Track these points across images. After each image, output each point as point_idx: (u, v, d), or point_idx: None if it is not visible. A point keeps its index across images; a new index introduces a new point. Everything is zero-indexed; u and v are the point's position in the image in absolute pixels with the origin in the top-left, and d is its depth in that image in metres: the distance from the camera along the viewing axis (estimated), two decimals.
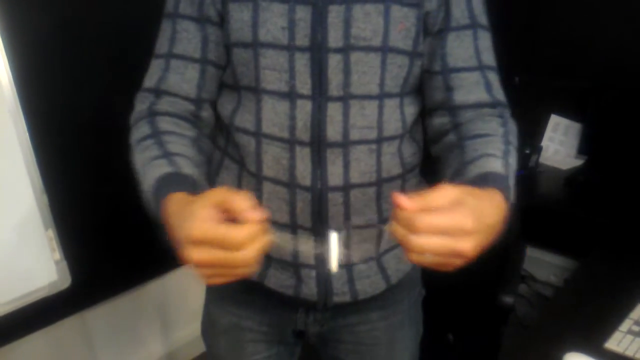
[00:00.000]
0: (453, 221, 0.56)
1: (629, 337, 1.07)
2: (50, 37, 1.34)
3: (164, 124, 0.81)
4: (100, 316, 1.80)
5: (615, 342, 1.06)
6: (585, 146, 2.07)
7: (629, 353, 1.03)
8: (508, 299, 1.38)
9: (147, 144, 0.77)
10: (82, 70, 1.42)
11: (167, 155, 0.74)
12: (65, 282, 1.33)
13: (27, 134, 1.21)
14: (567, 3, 2.05)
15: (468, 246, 0.57)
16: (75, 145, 1.43)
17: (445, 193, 0.58)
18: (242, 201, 0.58)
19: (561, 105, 2.12)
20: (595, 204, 1.79)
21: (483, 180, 0.68)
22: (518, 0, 2.07)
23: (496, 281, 1.42)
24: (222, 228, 0.56)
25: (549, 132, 2.13)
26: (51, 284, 1.30)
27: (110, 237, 1.60)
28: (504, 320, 1.49)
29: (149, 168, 0.73)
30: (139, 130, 0.81)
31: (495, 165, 0.71)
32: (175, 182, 0.69)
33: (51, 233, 1.28)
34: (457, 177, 0.75)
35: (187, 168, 0.73)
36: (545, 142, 2.12)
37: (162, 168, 0.71)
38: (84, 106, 1.43)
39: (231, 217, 0.58)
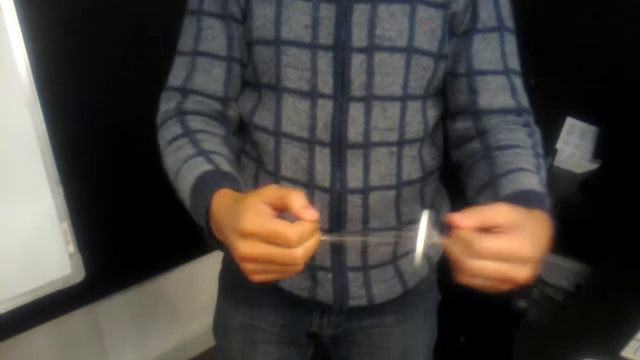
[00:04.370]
0: (512, 248, 0.55)
1: None
2: (68, 28, 1.34)
3: (195, 122, 0.80)
4: (111, 308, 1.80)
5: (631, 351, 1.04)
6: (601, 150, 2.05)
7: None
8: (522, 303, 1.37)
9: (180, 144, 0.76)
10: (100, 62, 1.41)
11: (203, 153, 0.73)
12: (79, 275, 1.33)
13: (44, 125, 1.21)
14: (585, 5, 2.02)
15: (523, 274, 0.56)
16: (92, 138, 1.43)
17: (503, 213, 0.57)
18: (298, 199, 0.57)
19: (577, 108, 2.09)
20: (610, 209, 1.77)
21: (525, 200, 0.66)
22: (534, 1, 2.05)
23: None
24: (276, 223, 0.56)
25: (563, 135, 2.11)
26: (65, 277, 1.30)
27: (123, 231, 1.60)
28: (516, 323, 1.48)
29: (186, 168, 0.72)
30: (169, 130, 0.80)
31: (532, 182, 0.70)
32: (218, 179, 0.68)
33: (66, 226, 1.28)
34: (487, 189, 0.73)
35: (225, 165, 0.72)
36: (560, 145, 2.10)
37: (201, 166, 0.70)
38: (101, 99, 1.42)
39: (281, 216, 0.57)
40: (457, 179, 0.85)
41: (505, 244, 0.55)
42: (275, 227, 0.56)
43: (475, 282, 0.57)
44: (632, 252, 1.50)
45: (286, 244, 0.55)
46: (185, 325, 2.10)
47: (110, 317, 1.82)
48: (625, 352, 1.04)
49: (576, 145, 2.10)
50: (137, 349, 1.96)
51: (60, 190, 1.26)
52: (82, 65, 1.38)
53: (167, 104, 0.84)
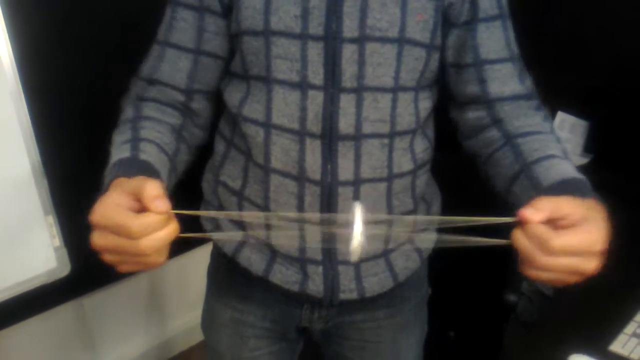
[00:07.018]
0: (586, 242, 0.56)
1: (634, 340, 1.06)
2: (54, 19, 1.32)
3: (147, 109, 0.81)
4: (98, 303, 1.79)
5: (620, 345, 1.05)
6: (592, 144, 2.05)
7: (634, 356, 1.02)
8: (513, 298, 1.37)
9: (123, 129, 0.77)
10: (85, 54, 1.39)
11: (134, 140, 0.73)
12: (65, 269, 1.31)
13: (28, 116, 1.19)
14: None
15: (593, 266, 0.57)
16: (77, 130, 1.41)
17: (570, 204, 0.58)
18: (151, 189, 0.56)
19: (567, 102, 2.09)
20: (599, 203, 1.77)
21: (575, 188, 0.67)
22: None
23: (500, 279, 1.41)
24: (120, 214, 0.55)
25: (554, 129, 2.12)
26: (50, 271, 1.28)
27: None
28: (506, 317, 1.49)
29: (115, 152, 0.73)
30: (123, 115, 0.81)
31: (571, 169, 0.71)
32: (125, 167, 0.68)
33: (51, 219, 1.26)
34: (520, 177, 0.74)
35: (148, 154, 0.71)
36: None
37: (122, 153, 0.71)
38: (87, 90, 1.40)
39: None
40: (454, 171, 0.85)
41: (580, 239, 0.56)
42: (118, 218, 0.55)
43: (544, 276, 0.57)
44: (621, 246, 1.51)
45: (128, 235, 0.55)
46: (173, 319, 2.09)
47: (97, 311, 1.81)
48: (614, 347, 1.04)
49: (567, 139, 2.10)
50: (124, 343, 1.94)
51: (45, 183, 1.24)
52: (68, 55, 1.36)
53: (132, 90, 0.85)
